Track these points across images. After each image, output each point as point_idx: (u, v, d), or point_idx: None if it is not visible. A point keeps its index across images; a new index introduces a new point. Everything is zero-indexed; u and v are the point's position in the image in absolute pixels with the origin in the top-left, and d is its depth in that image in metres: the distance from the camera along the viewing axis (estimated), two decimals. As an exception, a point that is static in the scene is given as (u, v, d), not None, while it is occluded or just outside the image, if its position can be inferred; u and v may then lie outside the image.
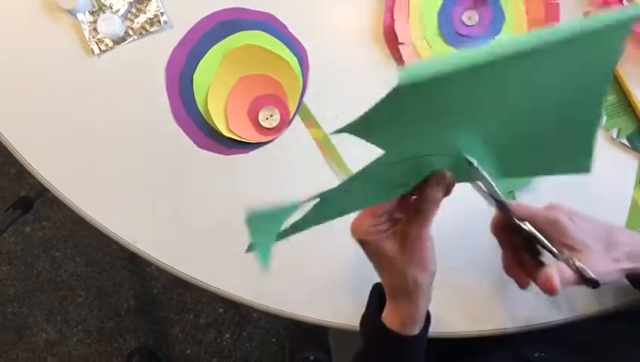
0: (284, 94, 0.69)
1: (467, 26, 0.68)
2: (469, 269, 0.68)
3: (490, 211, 0.56)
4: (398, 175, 0.48)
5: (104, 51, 0.70)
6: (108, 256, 1.46)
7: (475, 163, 0.47)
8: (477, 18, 0.67)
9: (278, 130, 0.69)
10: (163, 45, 0.69)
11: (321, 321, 0.68)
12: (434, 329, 0.66)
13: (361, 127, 0.42)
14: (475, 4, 0.68)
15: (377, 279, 0.58)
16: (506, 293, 0.67)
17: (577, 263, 0.49)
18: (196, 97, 0.69)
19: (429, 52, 0.68)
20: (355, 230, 0.50)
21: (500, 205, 0.51)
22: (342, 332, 0.67)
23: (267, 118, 0.69)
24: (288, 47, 0.69)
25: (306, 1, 0.70)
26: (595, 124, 0.48)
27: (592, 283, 0.49)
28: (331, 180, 0.68)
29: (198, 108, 0.69)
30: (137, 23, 0.70)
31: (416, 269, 0.49)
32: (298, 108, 0.69)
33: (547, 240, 0.51)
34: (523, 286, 0.55)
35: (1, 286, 1.48)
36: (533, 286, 0.55)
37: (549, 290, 0.49)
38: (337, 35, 0.70)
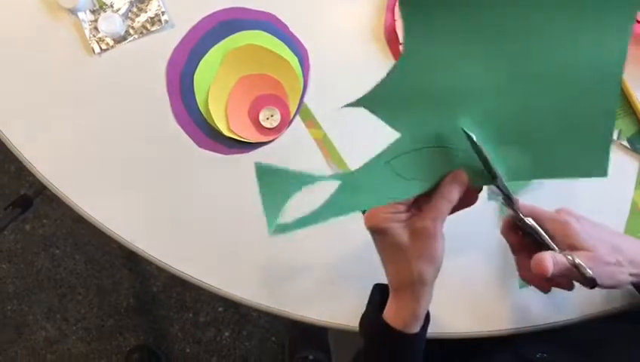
0: (285, 94, 0.69)
1: (468, 26, 0.67)
2: (471, 270, 0.68)
3: (495, 210, 0.56)
4: (413, 166, 0.49)
5: (105, 50, 0.70)
6: (107, 255, 1.46)
7: (474, 137, 0.47)
8: (478, 19, 0.67)
9: (278, 130, 0.69)
10: (164, 44, 0.69)
11: (320, 321, 0.68)
12: (436, 330, 0.66)
13: (372, 100, 0.44)
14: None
15: (377, 279, 0.58)
16: (508, 294, 0.67)
17: (576, 260, 0.49)
18: (197, 97, 0.69)
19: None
20: (371, 217, 0.51)
21: (506, 197, 0.51)
22: (341, 332, 0.67)
23: (268, 118, 0.69)
24: (289, 47, 0.69)
25: (306, 0, 0.70)
26: (610, 121, 0.48)
27: (590, 282, 0.50)
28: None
29: (198, 107, 0.69)
30: (138, 22, 0.70)
31: (424, 264, 0.50)
32: (299, 108, 0.69)
33: (553, 239, 0.51)
34: (544, 290, 0.54)
35: (0, 284, 1.48)
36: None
37: (541, 272, 0.49)
38: (338, 35, 0.70)
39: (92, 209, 0.70)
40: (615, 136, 0.67)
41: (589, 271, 0.49)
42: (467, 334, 0.67)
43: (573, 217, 0.52)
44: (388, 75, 0.45)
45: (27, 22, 0.70)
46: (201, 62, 0.69)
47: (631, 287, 0.54)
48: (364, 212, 0.68)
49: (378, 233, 0.51)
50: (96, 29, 0.69)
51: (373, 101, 0.46)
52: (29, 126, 0.71)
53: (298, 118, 0.69)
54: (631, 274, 0.52)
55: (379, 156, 0.48)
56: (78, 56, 0.70)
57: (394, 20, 0.68)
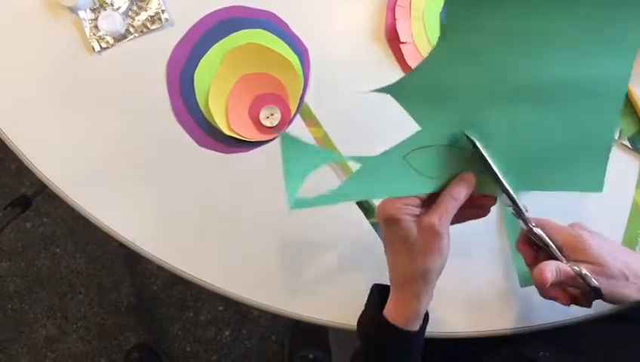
0: (285, 93, 0.69)
1: (469, 25, 0.67)
2: (473, 269, 0.68)
3: (496, 211, 0.56)
4: (427, 162, 0.50)
5: (105, 49, 0.70)
6: (108, 253, 1.46)
7: (477, 142, 0.49)
8: (479, 18, 0.67)
9: (278, 128, 0.69)
10: (164, 43, 0.69)
11: (320, 320, 0.68)
12: (437, 330, 0.66)
13: (400, 89, 0.47)
14: (477, 3, 0.67)
15: (378, 279, 0.58)
16: (509, 293, 0.67)
17: (583, 271, 0.50)
18: (197, 96, 0.69)
19: (431, 51, 0.68)
20: (385, 207, 0.51)
21: (514, 205, 0.52)
22: (341, 331, 0.67)
23: (268, 117, 0.69)
24: (289, 45, 0.69)
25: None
26: (609, 140, 0.50)
27: (596, 293, 0.50)
28: (332, 179, 0.68)
29: (198, 106, 0.69)
30: (138, 20, 0.70)
31: (429, 260, 0.50)
32: (299, 107, 0.69)
33: (563, 251, 0.52)
34: (566, 302, 0.54)
35: (1, 283, 1.48)
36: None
37: (540, 281, 0.50)
38: (339, 34, 0.70)
39: (92, 208, 0.70)
40: (616, 135, 0.67)
41: (594, 280, 0.49)
42: (469, 334, 0.67)
43: (586, 231, 0.53)
44: (420, 65, 0.47)
45: (27, 20, 0.70)
46: (202, 61, 0.69)
47: None
48: (359, 204, 0.68)
49: (390, 223, 0.51)
50: (96, 27, 0.69)
51: (401, 90, 0.48)
52: (29, 124, 0.71)
53: (298, 117, 0.69)
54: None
55: (397, 147, 0.49)
56: (78, 54, 0.70)
57: (394, 19, 0.68)
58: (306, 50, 0.69)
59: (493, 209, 0.54)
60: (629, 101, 0.67)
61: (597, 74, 0.47)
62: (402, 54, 0.68)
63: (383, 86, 0.46)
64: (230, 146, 0.69)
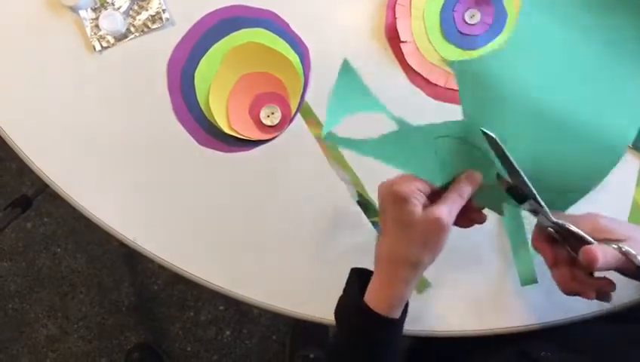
0: (286, 92, 0.69)
1: (469, 24, 0.67)
2: (474, 268, 0.68)
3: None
4: (452, 153, 0.51)
5: (106, 48, 0.70)
6: (109, 253, 1.46)
7: (495, 136, 0.49)
8: (479, 17, 0.67)
9: (279, 127, 0.69)
10: (165, 42, 0.69)
11: (321, 319, 0.68)
12: (440, 329, 0.66)
13: (464, 67, 0.50)
14: (477, 2, 0.67)
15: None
16: (511, 292, 0.67)
17: (624, 247, 0.47)
18: (198, 95, 0.69)
19: (431, 51, 0.68)
20: (396, 184, 0.50)
21: (534, 201, 0.51)
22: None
23: (268, 116, 0.69)
24: (290, 44, 0.69)
25: (308, -1, 0.70)
26: (597, 182, 0.53)
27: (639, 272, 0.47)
28: (333, 178, 0.68)
29: (199, 105, 0.69)
30: (139, 20, 0.70)
31: (425, 250, 0.50)
32: (299, 106, 0.69)
33: (588, 235, 0.49)
34: (590, 295, 0.52)
35: (2, 282, 1.48)
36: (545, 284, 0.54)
37: (591, 262, 0.46)
38: (339, 34, 0.70)
39: (93, 207, 0.70)
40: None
41: (639, 257, 0.46)
42: (469, 333, 0.67)
43: (602, 216, 0.51)
44: (493, 52, 0.51)
45: (29, 20, 0.70)
46: (202, 60, 0.69)
47: (636, 283, 0.54)
48: (359, 203, 0.68)
49: (397, 202, 0.50)
50: (97, 26, 0.69)
51: (465, 69, 0.50)
52: (30, 124, 0.71)
53: (299, 116, 0.69)
54: None
55: (435, 126, 0.50)
56: (79, 53, 0.70)
57: (395, 18, 0.68)
58: (306, 49, 0.69)
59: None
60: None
61: (604, 124, 0.50)
62: (402, 53, 0.68)
63: (453, 61, 0.48)
64: (231, 145, 0.69)
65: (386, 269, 0.52)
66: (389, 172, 0.52)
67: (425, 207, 0.50)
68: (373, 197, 0.68)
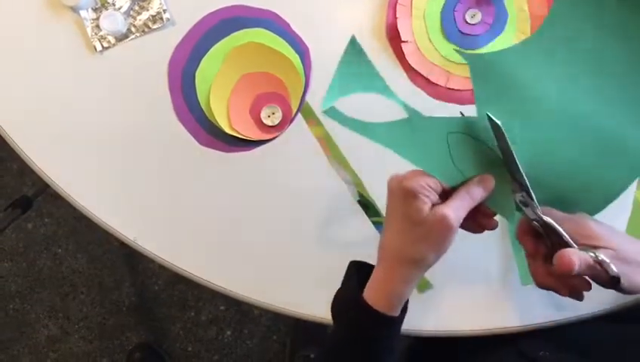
0: (287, 92, 0.69)
1: (470, 24, 0.67)
2: (474, 268, 0.68)
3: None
4: (464, 150, 0.50)
5: (106, 48, 0.70)
6: (109, 253, 1.47)
7: (499, 123, 0.48)
8: (480, 16, 0.67)
9: (280, 127, 0.69)
10: (165, 43, 0.69)
11: (322, 319, 0.68)
12: (439, 328, 0.66)
13: (480, 62, 0.48)
14: (478, 2, 0.67)
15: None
16: (510, 292, 0.67)
17: (600, 256, 0.47)
18: (198, 95, 0.69)
19: (432, 50, 0.68)
20: (407, 179, 0.49)
21: (526, 194, 0.51)
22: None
23: (269, 116, 0.69)
24: (291, 44, 0.69)
25: (308, -2, 0.70)
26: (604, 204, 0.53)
27: (613, 281, 0.47)
28: (333, 178, 0.68)
29: (200, 105, 0.69)
30: (140, 20, 0.70)
31: (430, 249, 0.49)
32: (300, 106, 0.69)
33: (573, 237, 0.49)
34: (563, 293, 0.52)
35: (2, 283, 1.48)
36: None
37: (566, 268, 0.46)
38: (340, 33, 0.70)
39: (93, 207, 0.70)
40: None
41: (613, 267, 0.46)
42: (469, 332, 0.67)
43: (592, 220, 0.51)
44: (508, 48, 0.49)
45: (29, 20, 0.70)
46: (203, 60, 0.69)
47: None
48: (360, 203, 0.68)
49: (406, 197, 0.49)
50: (97, 27, 0.69)
51: (479, 62, 0.48)
52: (31, 124, 0.71)
53: (299, 116, 0.69)
54: None
55: (448, 120, 0.49)
56: (79, 54, 0.70)
57: (395, 18, 0.68)
58: (307, 49, 0.69)
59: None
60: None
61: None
62: (403, 53, 0.68)
63: (469, 54, 0.47)
64: (231, 145, 0.69)
65: (388, 265, 0.51)
66: (390, 172, 0.51)
67: (434, 205, 0.49)
68: (375, 197, 0.68)
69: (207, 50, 0.69)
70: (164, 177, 0.70)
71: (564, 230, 0.50)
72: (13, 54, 0.71)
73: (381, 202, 0.68)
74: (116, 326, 1.46)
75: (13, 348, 1.47)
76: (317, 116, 0.69)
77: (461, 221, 0.49)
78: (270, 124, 0.69)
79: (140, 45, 0.70)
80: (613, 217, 0.67)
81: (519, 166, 0.49)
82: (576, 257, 0.47)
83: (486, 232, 0.55)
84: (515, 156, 0.49)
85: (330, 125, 0.69)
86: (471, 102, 0.68)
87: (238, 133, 0.68)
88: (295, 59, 0.68)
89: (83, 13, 0.70)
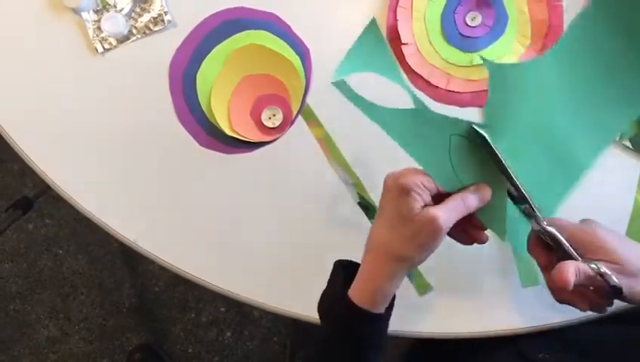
0: (287, 94, 0.69)
1: (470, 27, 0.68)
2: (474, 269, 0.68)
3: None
4: (465, 155, 0.50)
5: (108, 50, 0.70)
6: (109, 254, 1.47)
7: (486, 135, 0.48)
8: (480, 19, 0.67)
9: (280, 129, 0.69)
10: (166, 44, 0.70)
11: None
12: (439, 330, 0.66)
13: (496, 66, 0.47)
14: (478, 5, 0.67)
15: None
16: (510, 294, 0.67)
17: (602, 268, 0.47)
18: (199, 96, 0.69)
19: (432, 53, 0.68)
20: (404, 175, 0.49)
21: (527, 205, 0.51)
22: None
23: (270, 118, 0.69)
24: (291, 47, 0.69)
25: (309, 1, 0.70)
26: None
27: (615, 292, 0.47)
28: (334, 180, 0.68)
29: (201, 107, 0.69)
30: (141, 22, 0.70)
31: (417, 249, 0.49)
32: (301, 107, 0.69)
33: (578, 250, 0.49)
34: (583, 307, 0.52)
35: (3, 284, 1.48)
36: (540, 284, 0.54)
37: (561, 283, 0.47)
38: (340, 36, 0.70)
39: (94, 208, 0.70)
40: (617, 136, 0.67)
41: (614, 278, 0.47)
42: (469, 334, 0.67)
43: (601, 228, 0.50)
44: (531, 60, 0.49)
45: (31, 21, 0.71)
46: (204, 62, 0.69)
47: None
48: (360, 204, 0.68)
49: (401, 193, 0.49)
50: (99, 28, 0.70)
51: (500, 75, 0.48)
52: (32, 125, 0.71)
53: (300, 118, 0.69)
54: None
55: (454, 121, 0.48)
56: (81, 55, 0.70)
57: (396, 20, 0.68)
58: (307, 51, 0.69)
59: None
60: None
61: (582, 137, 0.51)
62: (404, 55, 0.68)
63: (487, 61, 0.46)
64: (232, 147, 0.69)
65: (373, 260, 0.51)
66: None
67: (427, 205, 0.49)
68: (375, 198, 0.68)
69: (209, 51, 0.69)
70: (164, 178, 0.70)
71: (572, 239, 0.50)
72: (14, 55, 0.71)
73: (381, 204, 0.68)
74: (116, 327, 1.46)
75: (14, 349, 1.47)
76: (317, 118, 0.69)
77: (451, 225, 0.48)
78: (271, 125, 0.69)
79: (141, 47, 0.70)
80: (614, 219, 0.67)
81: (515, 179, 0.49)
82: (571, 272, 0.47)
83: (488, 232, 0.55)
84: (509, 170, 0.49)
85: (331, 127, 0.69)
86: (471, 105, 0.68)
87: (239, 134, 0.68)
88: (296, 61, 0.69)
89: (84, 14, 0.70)
